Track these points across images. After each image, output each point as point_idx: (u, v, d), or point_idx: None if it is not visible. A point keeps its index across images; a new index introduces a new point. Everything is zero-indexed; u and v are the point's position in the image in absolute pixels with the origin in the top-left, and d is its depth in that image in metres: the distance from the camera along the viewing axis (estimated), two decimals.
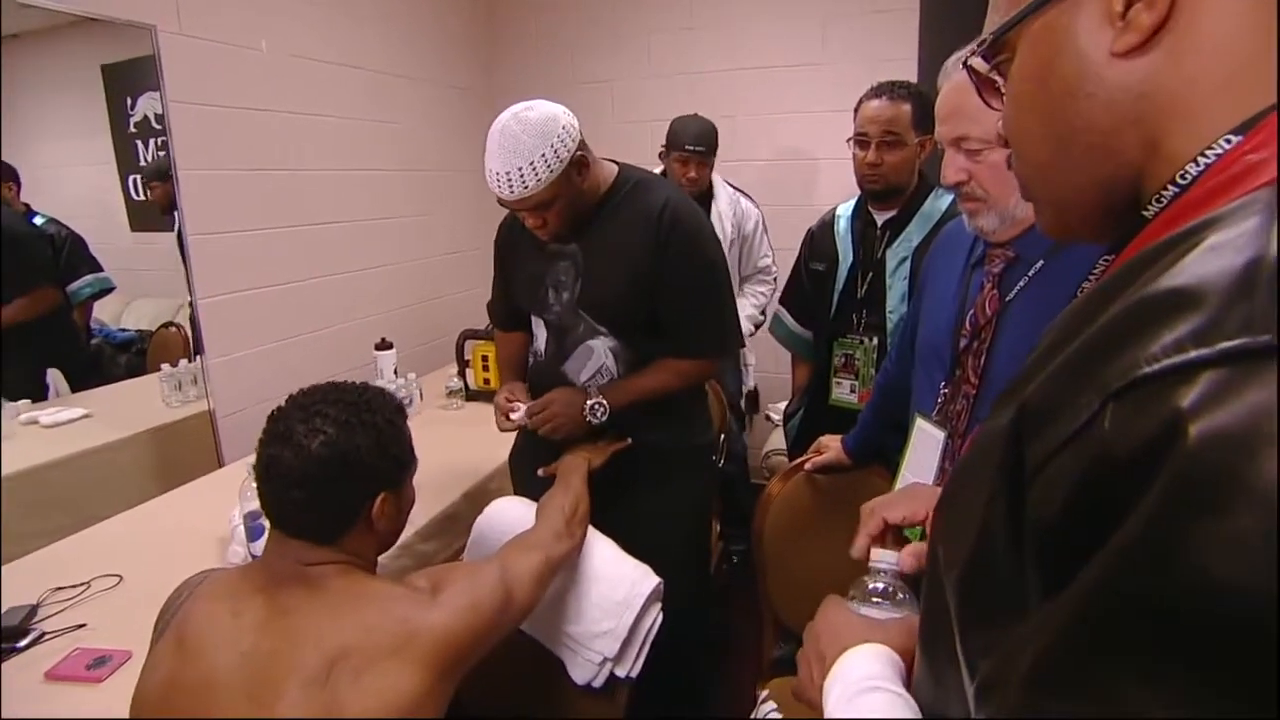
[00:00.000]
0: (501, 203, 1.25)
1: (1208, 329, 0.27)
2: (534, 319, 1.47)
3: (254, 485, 1.23)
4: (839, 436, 1.50)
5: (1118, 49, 0.38)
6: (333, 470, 0.82)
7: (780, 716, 1.34)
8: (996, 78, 0.48)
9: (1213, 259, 0.30)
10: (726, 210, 2.29)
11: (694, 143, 2.19)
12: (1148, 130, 0.38)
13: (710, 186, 2.32)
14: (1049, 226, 0.48)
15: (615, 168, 1.38)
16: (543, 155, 1.17)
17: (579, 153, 1.23)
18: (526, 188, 1.18)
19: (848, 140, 1.65)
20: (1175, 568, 0.25)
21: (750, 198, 2.36)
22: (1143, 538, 0.26)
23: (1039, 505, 0.32)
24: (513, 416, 1.39)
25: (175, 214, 1.85)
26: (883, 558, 0.70)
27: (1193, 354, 0.27)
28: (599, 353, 1.39)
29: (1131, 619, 0.26)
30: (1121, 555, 0.27)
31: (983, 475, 0.38)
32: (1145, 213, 0.39)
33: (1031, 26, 0.42)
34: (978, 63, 0.48)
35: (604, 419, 1.34)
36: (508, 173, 1.18)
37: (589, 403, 1.33)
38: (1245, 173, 0.34)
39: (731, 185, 2.37)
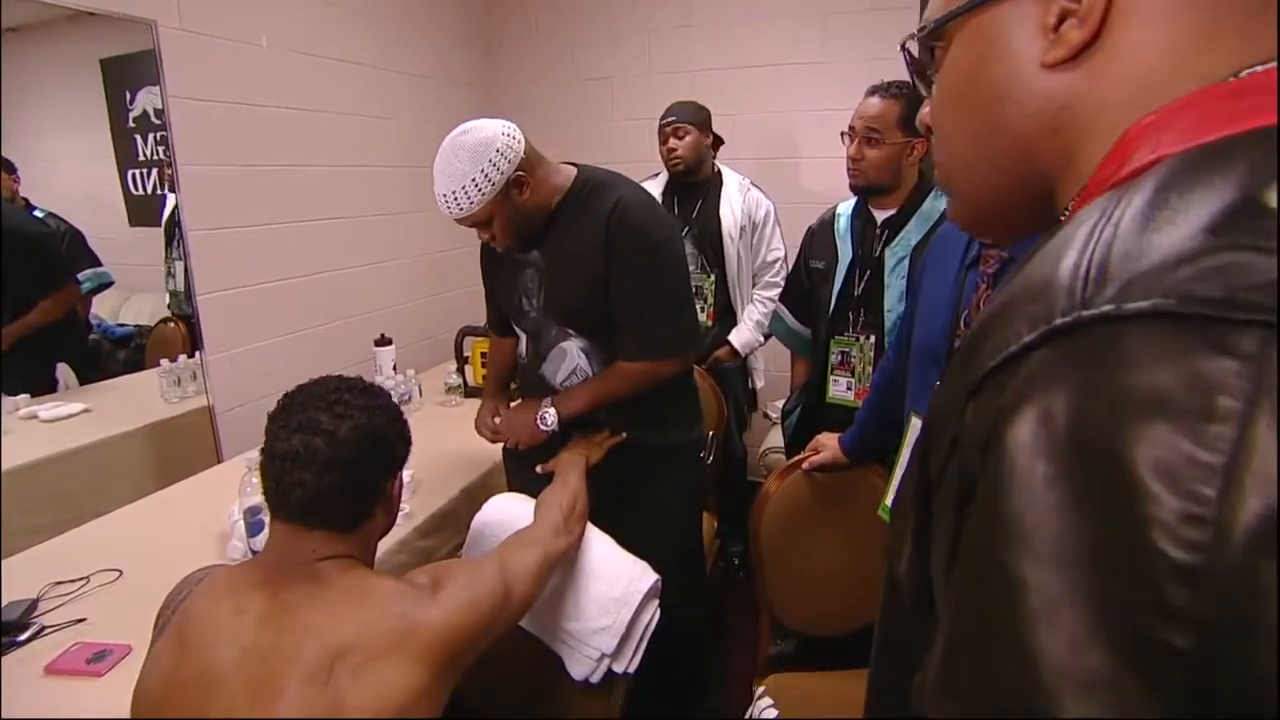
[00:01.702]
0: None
1: (1037, 319, 0.29)
2: (515, 325, 1.51)
3: (254, 480, 1.24)
4: (836, 434, 1.51)
5: (1047, 60, 0.39)
6: (363, 453, 0.85)
7: (776, 713, 1.35)
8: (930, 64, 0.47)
9: (1047, 256, 0.32)
10: (736, 197, 2.29)
11: (665, 116, 2.24)
12: (1065, 141, 0.39)
13: (718, 173, 2.33)
14: (960, 219, 0.49)
15: (574, 172, 1.38)
16: (474, 180, 1.22)
17: (517, 173, 1.26)
18: (461, 209, 1.25)
19: (841, 134, 1.66)
20: (985, 557, 0.28)
21: (762, 189, 2.35)
22: (976, 529, 0.29)
23: (940, 514, 0.34)
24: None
25: (163, 208, 1.86)
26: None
27: (1013, 346, 0.29)
28: (572, 354, 1.42)
29: (984, 603, 0.28)
30: (968, 546, 0.30)
31: (906, 504, 0.39)
32: (1061, 219, 0.40)
33: (968, 23, 0.43)
34: (913, 46, 0.48)
35: (554, 426, 1.40)
36: (444, 195, 1.25)
37: (539, 413, 1.40)
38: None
39: (748, 179, 2.36)
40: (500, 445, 1.62)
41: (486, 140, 1.23)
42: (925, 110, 0.49)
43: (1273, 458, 0.22)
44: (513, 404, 1.58)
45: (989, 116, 0.42)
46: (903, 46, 0.49)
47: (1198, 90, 0.34)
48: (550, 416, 1.40)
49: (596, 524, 1.27)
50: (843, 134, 1.65)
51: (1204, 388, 0.23)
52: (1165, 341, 0.24)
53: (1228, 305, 0.24)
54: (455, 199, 1.24)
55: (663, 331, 1.37)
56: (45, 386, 1.69)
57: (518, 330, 1.52)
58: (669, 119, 2.23)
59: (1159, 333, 0.25)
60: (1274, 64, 0.33)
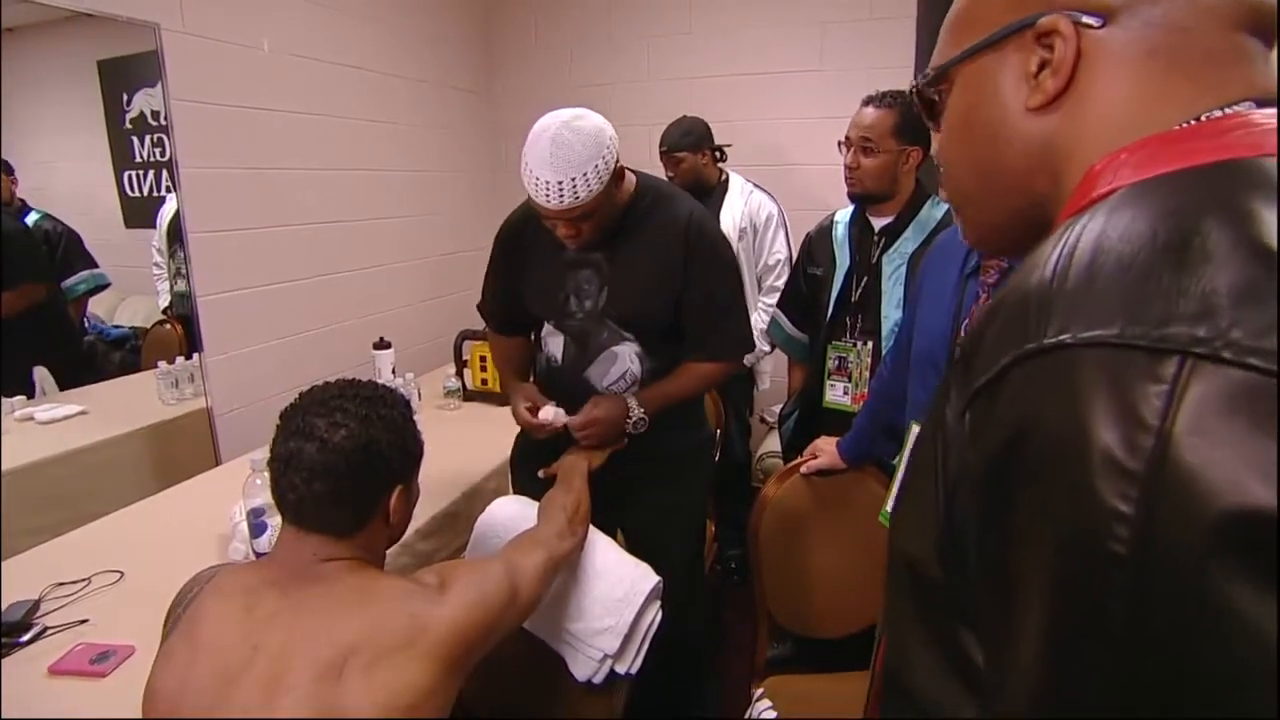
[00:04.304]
0: (541, 211, 1.24)
1: (1010, 344, 0.35)
2: (548, 325, 1.46)
3: (257, 482, 1.24)
4: (834, 439, 1.53)
5: (1030, 104, 0.45)
6: (355, 463, 0.83)
7: (775, 715, 1.36)
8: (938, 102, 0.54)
9: (1021, 276, 0.38)
10: (737, 201, 2.34)
11: (662, 143, 2.33)
12: (1053, 173, 0.45)
13: (724, 180, 2.38)
14: (971, 239, 0.56)
15: (634, 177, 1.39)
16: (595, 166, 1.17)
17: (619, 165, 1.25)
18: (578, 198, 1.18)
19: (838, 143, 1.69)
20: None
21: (768, 193, 2.40)
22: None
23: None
24: (542, 416, 1.36)
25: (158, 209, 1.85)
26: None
27: (993, 370, 0.35)
28: (624, 357, 1.40)
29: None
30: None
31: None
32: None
33: (964, 69, 0.49)
34: (924, 89, 0.54)
35: (643, 430, 1.37)
36: (560, 182, 1.16)
37: (632, 417, 1.35)
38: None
39: (752, 182, 2.41)
40: (502, 449, 1.62)
41: (601, 127, 1.21)
42: (935, 147, 0.54)
43: (1183, 467, 0.27)
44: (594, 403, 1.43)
45: (987, 155, 0.48)
46: (912, 90, 0.55)
47: (1153, 135, 0.40)
48: (643, 422, 1.35)
49: (605, 524, 1.28)
50: (839, 143, 1.68)
51: (1134, 407, 0.28)
52: (1107, 366, 0.30)
53: (1157, 339, 0.29)
54: (573, 186, 1.17)
55: (737, 333, 1.42)
56: (24, 390, 1.65)
57: (553, 330, 1.44)
58: (661, 146, 2.32)
59: (1102, 358, 0.30)
60: (1229, 109, 0.39)
